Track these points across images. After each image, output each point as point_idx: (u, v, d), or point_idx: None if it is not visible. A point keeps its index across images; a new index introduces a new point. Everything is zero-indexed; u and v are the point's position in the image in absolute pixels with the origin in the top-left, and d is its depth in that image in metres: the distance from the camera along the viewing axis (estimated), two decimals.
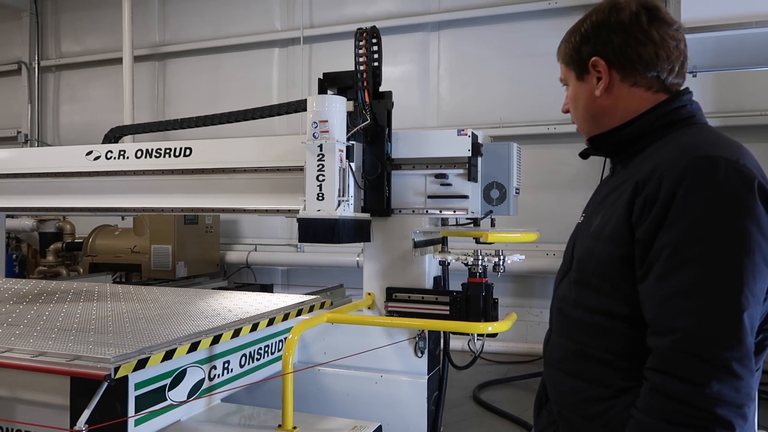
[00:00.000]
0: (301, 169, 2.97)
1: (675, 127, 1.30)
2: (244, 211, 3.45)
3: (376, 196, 3.09)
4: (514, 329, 4.63)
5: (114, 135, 4.20)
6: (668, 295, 1.12)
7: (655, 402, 1.11)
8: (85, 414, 1.92)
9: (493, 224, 3.23)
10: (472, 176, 3.04)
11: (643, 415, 1.14)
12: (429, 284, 3.17)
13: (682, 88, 1.36)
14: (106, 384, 1.94)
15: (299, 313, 3.05)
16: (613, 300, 1.25)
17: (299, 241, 3.12)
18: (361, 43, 3.03)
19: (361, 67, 3.01)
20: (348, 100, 3.00)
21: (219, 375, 2.66)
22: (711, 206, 1.11)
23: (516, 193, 3.20)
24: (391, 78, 5.08)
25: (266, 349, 3.01)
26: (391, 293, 3.11)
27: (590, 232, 1.33)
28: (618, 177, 1.36)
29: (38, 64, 9.07)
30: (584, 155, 1.52)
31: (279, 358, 2.98)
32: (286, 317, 2.94)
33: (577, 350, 1.33)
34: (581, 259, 1.34)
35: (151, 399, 2.26)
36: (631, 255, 1.20)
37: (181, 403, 2.42)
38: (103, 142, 4.13)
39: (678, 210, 1.13)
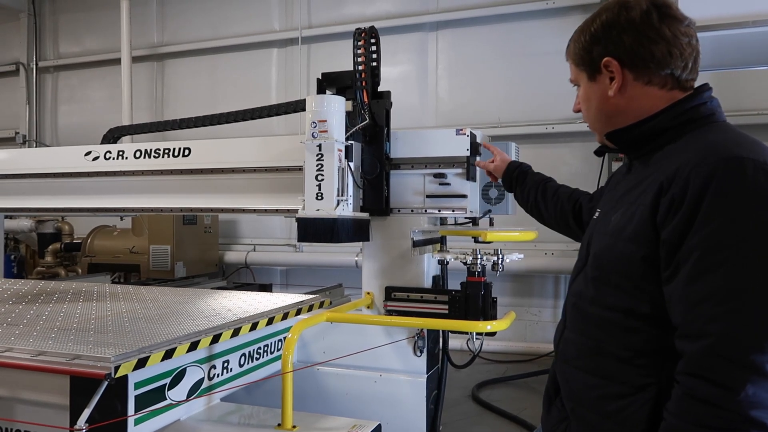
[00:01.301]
0: (299, 168, 2.97)
1: (694, 125, 1.29)
2: (243, 211, 3.45)
3: (375, 195, 3.09)
4: (513, 328, 4.64)
5: (113, 135, 4.19)
6: (699, 299, 1.11)
7: (689, 406, 1.11)
8: (86, 413, 1.92)
9: (491, 223, 3.24)
10: (470, 176, 3.05)
11: (675, 419, 1.13)
12: (428, 283, 3.17)
13: (702, 83, 1.35)
14: (106, 383, 1.94)
15: (298, 313, 3.05)
16: (634, 298, 1.24)
17: (298, 241, 3.12)
18: (359, 43, 3.03)
19: (360, 67, 3.02)
20: (347, 100, 3.00)
21: (218, 374, 2.66)
22: (740, 208, 1.11)
23: None
24: (389, 78, 5.08)
25: (265, 348, 3.02)
26: (390, 292, 3.11)
27: (608, 230, 1.31)
28: (637, 174, 1.34)
29: (36, 64, 9.07)
30: (599, 153, 1.52)
31: (278, 358, 2.98)
32: (285, 316, 2.94)
33: (593, 347, 1.33)
34: (599, 256, 1.33)
35: (151, 398, 2.26)
36: (654, 255, 1.19)
37: (181, 402, 2.42)
38: (102, 143, 4.13)
39: (707, 212, 1.12)
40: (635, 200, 1.27)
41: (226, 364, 2.71)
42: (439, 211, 3.13)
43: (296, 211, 2.93)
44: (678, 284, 1.15)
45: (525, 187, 2.22)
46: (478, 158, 2.98)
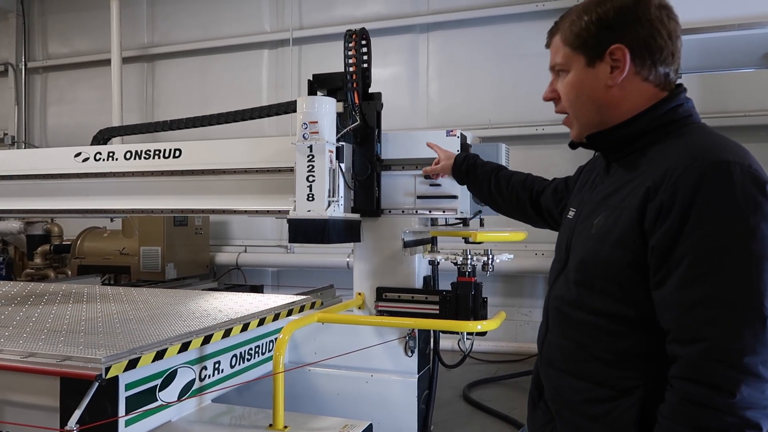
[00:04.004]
0: (290, 170, 2.98)
1: (673, 127, 1.29)
2: (234, 212, 3.45)
3: (366, 196, 3.10)
4: (504, 328, 4.68)
5: (103, 136, 4.18)
6: (692, 304, 1.12)
7: (685, 409, 1.12)
8: (76, 414, 1.92)
9: (482, 224, 3.26)
10: None
11: (671, 422, 1.14)
12: (419, 284, 3.19)
13: (676, 84, 1.35)
14: (96, 384, 1.94)
15: (290, 313, 3.06)
16: (620, 303, 1.24)
17: (289, 242, 3.13)
18: (350, 45, 3.04)
19: (351, 69, 3.03)
20: (338, 101, 3.01)
21: (210, 375, 2.66)
22: (729, 214, 1.11)
23: None
24: (380, 79, 5.09)
25: (257, 349, 3.02)
26: (381, 293, 3.12)
27: (591, 233, 1.30)
28: (618, 177, 1.33)
29: (25, 65, 9.01)
30: (573, 145, 1.47)
31: (270, 359, 2.98)
32: (276, 317, 2.95)
33: (578, 350, 1.32)
34: (583, 261, 1.32)
35: (142, 399, 2.26)
36: (641, 260, 1.19)
37: (172, 403, 2.42)
38: (92, 144, 4.11)
39: (697, 218, 1.12)
40: (619, 204, 1.26)
41: (217, 365, 2.71)
42: (430, 211, 3.15)
43: (287, 212, 2.93)
44: (669, 289, 1.15)
45: (476, 180, 2.22)
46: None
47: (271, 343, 3.11)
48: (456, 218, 3.22)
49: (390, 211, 3.18)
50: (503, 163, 3.20)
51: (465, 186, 2.35)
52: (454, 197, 3.09)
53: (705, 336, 1.11)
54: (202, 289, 5.01)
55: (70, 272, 7.06)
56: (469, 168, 2.27)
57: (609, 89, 1.31)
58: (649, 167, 1.23)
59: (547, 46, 1.43)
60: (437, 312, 2.94)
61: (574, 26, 1.33)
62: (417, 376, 3.11)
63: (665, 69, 1.30)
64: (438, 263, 3.23)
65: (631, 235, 1.20)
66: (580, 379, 1.32)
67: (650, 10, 1.27)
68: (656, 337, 1.20)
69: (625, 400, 1.23)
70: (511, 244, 5.69)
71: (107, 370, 1.95)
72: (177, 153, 3.51)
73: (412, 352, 3.10)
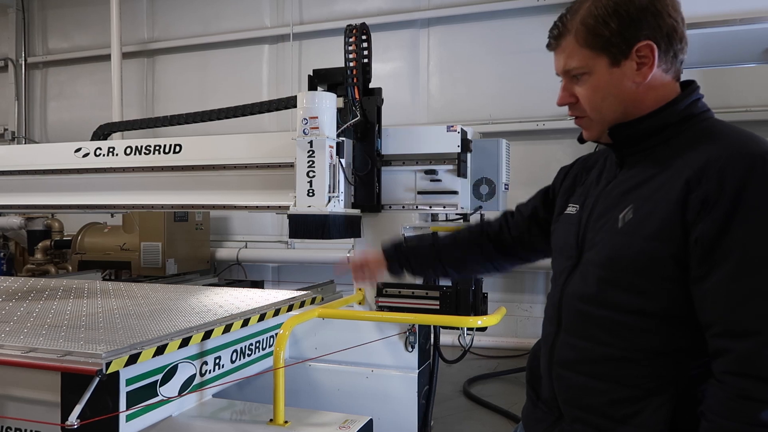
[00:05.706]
0: (291, 165, 2.98)
1: (693, 121, 1.27)
2: (235, 207, 3.45)
3: (366, 191, 3.10)
4: (504, 324, 4.67)
5: (103, 132, 4.18)
6: (745, 296, 1.10)
7: (738, 406, 1.09)
8: (77, 409, 1.92)
9: (482, 219, 3.25)
10: (461, 172, 3.06)
11: (722, 419, 1.10)
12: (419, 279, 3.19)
13: (689, 80, 1.33)
14: (97, 379, 1.94)
15: (290, 309, 3.06)
16: (650, 298, 1.20)
17: (290, 237, 3.12)
18: (350, 40, 3.04)
19: (351, 64, 3.02)
20: (338, 96, 3.01)
21: (210, 371, 2.67)
22: None
23: (505, 188, 3.22)
24: (381, 75, 5.08)
25: (257, 344, 3.02)
26: (381, 288, 3.12)
27: (618, 228, 1.25)
28: (640, 170, 1.29)
29: (25, 60, 8.99)
30: (582, 140, 1.42)
31: (270, 354, 2.99)
32: (277, 313, 2.95)
33: (600, 350, 1.27)
34: (611, 257, 1.26)
35: (143, 394, 2.26)
36: (681, 253, 1.16)
37: (173, 398, 2.43)
38: (92, 139, 4.12)
39: (746, 209, 1.10)
40: (651, 196, 1.22)
41: (217, 361, 2.71)
42: (430, 207, 3.15)
43: (288, 207, 2.94)
44: (716, 282, 1.12)
45: (418, 258, 1.84)
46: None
47: (271, 339, 3.11)
48: (456, 214, 3.22)
49: (390, 207, 3.18)
50: (503, 159, 3.20)
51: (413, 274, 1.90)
52: (455, 193, 3.09)
53: (759, 329, 1.08)
54: (203, 285, 5.02)
55: (70, 268, 7.06)
56: (403, 252, 1.84)
57: (636, 86, 1.27)
58: (681, 159, 1.21)
59: (552, 48, 1.37)
60: (437, 307, 2.94)
61: (589, 25, 1.27)
62: (417, 371, 3.11)
63: (682, 56, 1.29)
64: None
65: (671, 229, 1.17)
66: (602, 380, 1.26)
67: (668, 3, 1.25)
68: (685, 334, 1.18)
69: (654, 400, 1.19)
70: None
71: (108, 365, 1.95)
72: (177, 148, 3.51)
73: (413, 347, 3.11)
